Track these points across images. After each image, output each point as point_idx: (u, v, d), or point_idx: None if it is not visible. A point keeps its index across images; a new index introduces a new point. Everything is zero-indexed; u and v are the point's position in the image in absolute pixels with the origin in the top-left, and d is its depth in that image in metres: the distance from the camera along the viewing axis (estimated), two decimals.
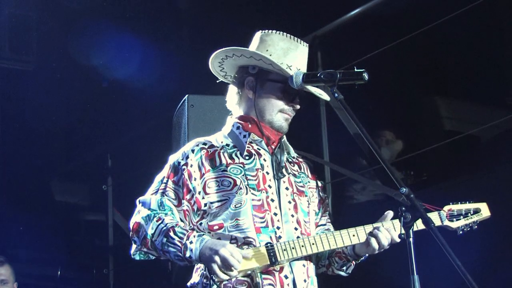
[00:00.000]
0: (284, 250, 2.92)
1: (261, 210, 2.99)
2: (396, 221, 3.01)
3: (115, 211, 7.26)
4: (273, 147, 3.12)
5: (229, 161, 3.04)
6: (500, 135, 5.18)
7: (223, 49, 3.09)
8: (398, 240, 2.98)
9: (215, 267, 2.80)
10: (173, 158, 3.10)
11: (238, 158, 3.06)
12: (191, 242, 2.85)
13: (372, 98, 5.37)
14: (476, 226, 3.14)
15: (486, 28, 5.48)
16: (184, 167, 3.03)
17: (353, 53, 5.34)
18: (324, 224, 3.25)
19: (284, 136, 3.16)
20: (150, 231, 2.92)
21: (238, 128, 3.12)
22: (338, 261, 3.15)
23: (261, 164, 3.07)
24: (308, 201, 3.14)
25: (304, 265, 3.03)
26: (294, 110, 3.12)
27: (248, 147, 3.08)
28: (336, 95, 2.84)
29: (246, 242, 2.93)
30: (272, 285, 2.92)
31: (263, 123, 3.09)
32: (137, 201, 3.07)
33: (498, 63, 5.44)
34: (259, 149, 3.10)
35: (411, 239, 2.56)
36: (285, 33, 3.12)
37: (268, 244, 2.92)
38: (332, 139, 5.45)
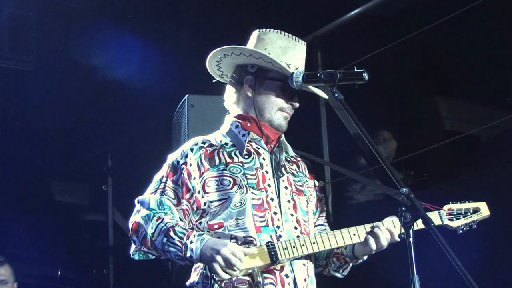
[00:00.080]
0: (285, 249, 2.92)
1: (261, 209, 2.98)
2: (396, 220, 3.01)
3: (115, 211, 7.26)
4: (272, 146, 3.12)
5: (229, 160, 3.04)
6: (500, 135, 5.18)
7: (222, 47, 3.08)
8: (398, 239, 2.98)
9: (217, 266, 2.80)
10: (172, 157, 3.09)
11: (238, 157, 3.05)
12: (191, 242, 2.84)
13: (372, 98, 5.37)
14: (475, 226, 3.14)
15: (486, 28, 5.48)
16: (183, 166, 3.02)
17: (353, 53, 5.34)
18: (322, 224, 3.25)
19: (283, 135, 3.16)
20: (149, 231, 2.92)
21: (237, 127, 3.12)
22: (336, 262, 3.15)
23: (260, 163, 3.06)
24: (307, 200, 3.14)
25: (304, 264, 3.03)
26: (293, 108, 3.11)
27: (247, 146, 3.07)
28: (336, 95, 2.84)
29: (246, 241, 2.92)
30: (273, 284, 2.92)
31: (262, 122, 3.09)
32: (135, 201, 3.06)
33: (498, 63, 5.44)
34: (258, 148, 3.09)
35: (411, 239, 2.56)
36: (282, 32, 3.12)
37: (269, 243, 2.92)
38: (332, 139, 5.45)
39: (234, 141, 3.10)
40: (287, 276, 2.95)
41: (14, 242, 6.85)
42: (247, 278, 2.91)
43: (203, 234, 2.89)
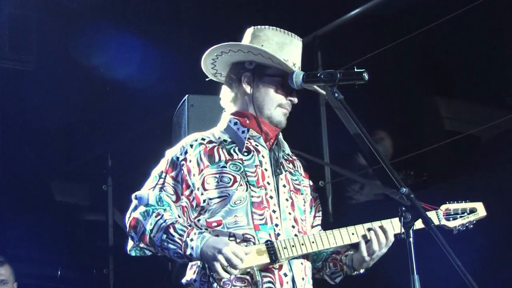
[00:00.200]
0: (284, 248, 2.91)
1: (260, 207, 2.97)
2: (395, 221, 3.00)
3: (115, 211, 7.26)
4: (270, 143, 3.10)
5: (228, 157, 3.02)
6: (500, 135, 5.18)
7: (219, 45, 3.06)
8: (392, 239, 2.98)
9: (218, 265, 2.78)
10: (170, 153, 3.07)
11: (237, 154, 3.04)
12: (191, 240, 2.82)
13: (372, 98, 5.37)
14: (471, 226, 3.14)
15: (486, 28, 5.48)
16: (183, 162, 3.00)
17: (353, 53, 5.34)
18: (319, 225, 3.25)
19: (281, 133, 3.14)
20: (148, 227, 2.89)
21: (235, 123, 3.10)
22: (332, 267, 3.13)
23: (259, 161, 3.05)
24: (304, 199, 3.13)
25: (302, 263, 3.02)
26: (292, 104, 3.10)
27: (246, 143, 3.05)
28: (336, 95, 2.84)
29: (245, 240, 2.91)
30: (272, 282, 2.91)
31: (262, 119, 3.07)
32: (132, 196, 3.02)
33: (498, 63, 5.44)
34: (257, 146, 3.08)
35: (411, 239, 2.56)
36: (277, 28, 3.11)
37: (268, 242, 2.91)
38: (332, 139, 5.45)
39: (233, 138, 3.08)
40: (285, 275, 2.94)
41: (14, 242, 6.86)
42: (245, 276, 2.90)
43: (203, 232, 2.88)
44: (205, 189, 2.97)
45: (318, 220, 3.26)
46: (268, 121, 3.08)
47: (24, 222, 7.05)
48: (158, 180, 3.01)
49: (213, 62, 3.15)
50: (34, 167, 7.41)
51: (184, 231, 2.85)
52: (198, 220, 2.98)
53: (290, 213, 3.03)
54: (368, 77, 2.84)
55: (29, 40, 6.68)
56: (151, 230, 2.89)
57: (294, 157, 3.24)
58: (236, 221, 2.94)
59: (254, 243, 2.91)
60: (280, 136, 3.15)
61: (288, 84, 3.04)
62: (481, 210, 3.16)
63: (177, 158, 3.02)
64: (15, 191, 7.31)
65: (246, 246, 2.89)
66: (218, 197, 2.96)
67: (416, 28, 5.15)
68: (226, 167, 2.99)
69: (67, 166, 7.94)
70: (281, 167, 3.09)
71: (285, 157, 3.17)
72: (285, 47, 3.06)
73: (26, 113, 7.18)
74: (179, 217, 2.96)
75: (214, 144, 3.05)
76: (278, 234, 2.96)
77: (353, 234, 2.99)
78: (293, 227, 3.01)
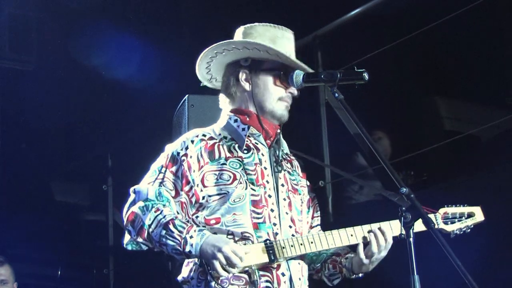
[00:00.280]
0: (283, 248, 2.90)
1: (259, 205, 2.95)
2: (394, 223, 3.00)
3: (115, 211, 7.25)
4: (270, 141, 3.09)
5: (228, 154, 3.00)
6: (500, 135, 5.18)
7: (213, 45, 3.05)
8: (391, 241, 2.97)
9: (217, 264, 2.77)
10: (171, 148, 3.04)
11: (237, 152, 3.02)
12: (191, 237, 2.80)
13: (372, 98, 5.37)
14: (469, 230, 3.13)
15: (486, 28, 5.48)
16: (183, 158, 2.98)
17: (353, 53, 5.34)
18: (319, 225, 3.23)
19: (280, 133, 3.12)
20: (147, 222, 2.86)
21: (235, 121, 3.07)
22: (331, 269, 3.12)
23: (259, 159, 3.03)
24: (301, 199, 3.12)
25: (299, 264, 3.01)
26: (292, 96, 3.08)
27: (246, 141, 3.03)
28: (336, 95, 2.84)
29: (243, 238, 2.90)
30: (270, 281, 2.90)
31: (263, 117, 3.05)
32: (131, 190, 3.00)
33: (498, 63, 5.44)
34: (257, 144, 3.06)
35: (411, 239, 2.56)
36: (267, 23, 3.10)
37: (267, 241, 2.89)
38: (332, 139, 5.45)
39: (233, 135, 3.06)
40: (283, 274, 2.93)
41: (14, 242, 6.85)
42: (243, 275, 2.88)
43: (203, 230, 2.85)
44: (204, 186, 2.95)
45: (317, 221, 3.24)
46: (270, 115, 3.06)
47: (24, 222, 7.05)
48: (158, 175, 2.99)
49: (207, 66, 3.14)
50: (34, 167, 7.41)
51: (184, 228, 2.82)
52: (197, 217, 2.96)
53: (287, 213, 3.01)
54: (368, 77, 2.84)
55: (29, 40, 6.68)
56: (150, 225, 2.86)
57: (292, 157, 3.22)
58: (235, 219, 2.92)
59: (253, 242, 2.90)
60: (280, 135, 3.13)
61: (285, 78, 3.03)
62: (479, 215, 3.15)
63: (178, 153, 3.00)
64: (15, 191, 7.31)
65: (245, 244, 2.88)
66: (217, 195, 2.94)
67: (416, 28, 5.15)
68: (226, 164, 2.97)
69: (67, 166, 7.94)
70: (281, 165, 3.08)
71: (284, 157, 3.15)
72: (277, 40, 3.05)
73: (26, 113, 7.18)
74: (177, 213, 2.94)
75: (214, 141, 3.03)
76: (276, 233, 2.94)
77: (352, 235, 2.98)
78: (290, 227, 3.00)
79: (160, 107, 6.05)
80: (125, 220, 2.96)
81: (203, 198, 2.95)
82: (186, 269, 2.99)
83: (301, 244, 2.93)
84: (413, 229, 2.58)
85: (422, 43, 5.51)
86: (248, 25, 3.12)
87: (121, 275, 7.15)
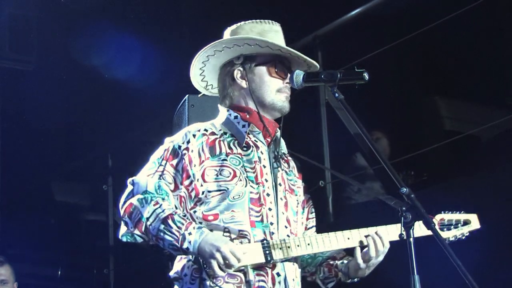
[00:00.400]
0: (280, 248, 2.88)
1: (258, 203, 2.93)
2: (391, 227, 2.99)
3: (116, 211, 7.26)
4: (269, 140, 3.07)
5: (228, 150, 2.98)
6: (500, 135, 5.18)
7: (204, 49, 3.04)
8: (388, 245, 2.96)
9: (214, 263, 2.75)
10: (172, 141, 3.01)
11: (236, 148, 2.99)
12: (190, 234, 2.77)
13: (372, 98, 5.37)
14: (464, 237, 3.12)
15: (486, 28, 5.48)
16: (185, 151, 2.95)
17: (353, 53, 5.35)
18: (314, 226, 3.21)
19: (279, 131, 3.10)
20: (146, 215, 2.83)
21: (236, 117, 3.05)
22: (326, 272, 3.10)
23: (258, 157, 3.01)
24: (297, 200, 3.10)
25: (293, 264, 2.99)
26: (290, 87, 3.06)
27: (246, 138, 3.01)
28: (336, 95, 2.84)
29: (240, 236, 2.88)
30: (264, 281, 2.88)
31: (263, 113, 3.03)
32: (128, 181, 2.96)
33: (498, 63, 5.44)
34: (257, 141, 3.04)
35: (411, 239, 2.56)
36: (253, 20, 3.09)
37: (264, 241, 2.88)
38: (332, 139, 5.45)
39: (233, 131, 3.03)
40: (278, 274, 2.91)
41: (14, 242, 6.86)
42: (239, 273, 2.86)
43: (202, 227, 2.83)
44: (204, 181, 2.92)
45: (312, 222, 3.22)
46: (271, 108, 3.03)
47: (24, 222, 7.06)
48: (158, 167, 2.95)
49: (201, 73, 3.12)
50: (34, 167, 7.41)
51: (183, 224, 2.80)
52: (194, 212, 2.93)
53: (283, 213, 2.99)
54: (368, 77, 2.84)
55: (29, 40, 6.68)
56: (148, 218, 2.82)
57: (289, 157, 3.19)
58: (233, 216, 2.90)
59: (249, 240, 2.88)
60: (279, 133, 3.10)
61: (281, 68, 3.02)
62: (475, 223, 3.12)
63: (179, 146, 2.96)
64: (15, 191, 7.32)
65: (241, 242, 2.86)
66: (217, 191, 2.92)
67: (416, 28, 5.15)
68: (226, 160, 2.95)
69: (67, 166, 7.94)
70: (280, 163, 3.06)
71: (281, 156, 3.12)
72: (266, 34, 3.03)
73: (26, 113, 7.18)
74: (176, 207, 2.91)
75: (216, 136, 3.01)
76: (272, 233, 2.92)
77: (348, 238, 2.96)
78: (286, 227, 2.98)
79: (160, 107, 6.05)
80: (122, 211, 2.92)
81: (203, 193, 2.92)
82: (179, 265, 2.96)
83: (298, 246, 2.91)
84: (413, 229, 2.58)
85: (422, 43, 5.51)
86: (234, 25, 3.11)
87: (121, 275, 7.15)
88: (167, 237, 2.80)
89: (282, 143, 3.14)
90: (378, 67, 4.92)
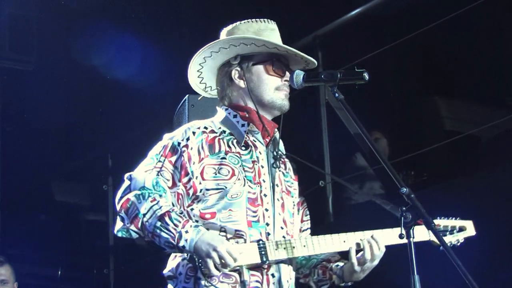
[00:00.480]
0: (276, 249, 2.86)
1: (255, 204, 2.92)
2: (386, 231, 2.99)
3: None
4: (267, 140, 3.05)
5: (227, 149, 2.97)
6: (500, 135, 5.18)
7: (200, 50, 3.03)
8: (383, 248, 2.95)
9: (211, 263, 2.73)
10: (171, 137, 3.00)
11: (235, 147, 2.98)
12: (186, 232, 2.75)
13: (372, 98, 5.37)
14: (458, 244, 3.10)
15: (486, 28, 5.48)
16: (184, 149, 2.93)
17: (353, 53, 5.35)
18: (309, 229, 3.20)
19: (278, 132, 3.09)
20: (142, 211, 2.81)
21: (235, 116, 3.04)
22: (320, 274, 3.09)
23: (257, 157, 3.00)
24: (293, 202, 3.09)
25: (288, 266, 2.98)
26: (289, 85, 3.04)
27: (245, 137, 3.00)
28: (336, 95, 2.84)
29: (237, 235, 2.87)
30: (259, 282, 2.87)
31: (262, 112, 3.02)
32: (125, 176, 2.95)
33: (498, 63, 5.44)
34: (255, 141, 3.02)
35: (411, 239, 2.56)
36: (248, 20, 3.08)
37: (260, 242, 2.87)
38: (332, 139, 5.45)
39: (232, 130, 3.02)
40: (273, 275, 2.90)
41: (14, 242, 6.86)
42: (234, 273, 2.85)
43: (199, 226, 2.81)
44: (203, 179, 2.91)
45: (307, 224, 3.20)
46: (270, 107, 3.02)
47: (24, 222, 7.06)
48: (156, 164, 2.93)
49: (199, 75, 3.12)
50: (34, 167, 7.41)
51: (180, 222, 2.77)
52: (192, 209, 2.91)
53: (279, 214, 2.99)
54: (368, 77, 2.84)
55: (29, 40, 6.69)
56: (145, 215, 2.81)
57: (286, 159, 3.17)
58: (230, 215, 2.88)
59: (245, 240, 2.87)
60: (277, 134, 3.09)
61: (278, 66, 3.02)
62: (470, 229, 3.11)
63: (179, 143, 2.95)
64: (15, 191, 7.32)
65: (237, 242, 2.85)
66: (215, 189, 2.90)
67: (416, 28, 5.15)
68: (225, 159, 2.94)
69: (67, 166, 7.94)
70: (278, 163, 3.05)
71: (280, 156, 3.10)
72: (262, 33, 3.02)
73: (26, 113, 7.19)
74: (173, 204, 2.89)
75: (215, 134, 2.99)
76: (268, 234, 2.91)
77: (344, 241, 2.95)
78: (282, 228, 2.97)
79: (160, 107, 6.06)
80: (118, 206, 2.91)
81: (201, 191, 2.91)
82: (173, 263, 2.95)
83: (294, 247, 2.89)
84: (413, 229, 2.58)
85: (422, 43, 5.52)
86: (230, 26, 3.10)
87: (121, 275, 7.15)
88: (163, 234, 2.78)
89: (281, 144, 3.12)
90: (378, 67, 4.92)
